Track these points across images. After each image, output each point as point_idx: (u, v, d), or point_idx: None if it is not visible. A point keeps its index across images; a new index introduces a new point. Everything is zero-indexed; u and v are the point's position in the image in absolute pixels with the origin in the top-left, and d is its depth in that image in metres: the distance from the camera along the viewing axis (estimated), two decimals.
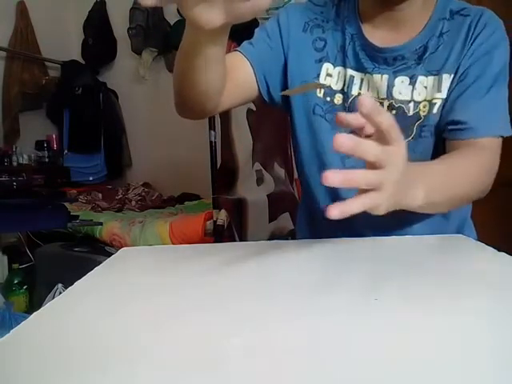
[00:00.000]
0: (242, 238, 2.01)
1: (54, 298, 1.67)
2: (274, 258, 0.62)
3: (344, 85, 0.78)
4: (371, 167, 0.42)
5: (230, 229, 1.97)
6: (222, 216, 1.94)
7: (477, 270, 0.53)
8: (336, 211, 0.41)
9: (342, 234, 0.82)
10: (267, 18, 0.85)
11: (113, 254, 0.66)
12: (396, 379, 0.28)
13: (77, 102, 3.31)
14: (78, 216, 2.19)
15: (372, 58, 0.76)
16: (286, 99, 0.82)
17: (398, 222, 0.78)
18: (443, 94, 0.73)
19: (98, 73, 3.57)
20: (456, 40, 0.73)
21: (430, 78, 0.74)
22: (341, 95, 0.78)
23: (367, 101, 0.40)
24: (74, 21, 3.58)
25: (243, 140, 2.15)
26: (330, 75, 0.78)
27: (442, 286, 0.46)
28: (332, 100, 0.78)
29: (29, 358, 0.33)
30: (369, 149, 0.41)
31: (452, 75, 0.73)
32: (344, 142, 0.38)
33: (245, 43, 0.80)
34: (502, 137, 0.71)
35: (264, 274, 0.53)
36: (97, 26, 3.46)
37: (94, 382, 0.29)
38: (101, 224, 2.24)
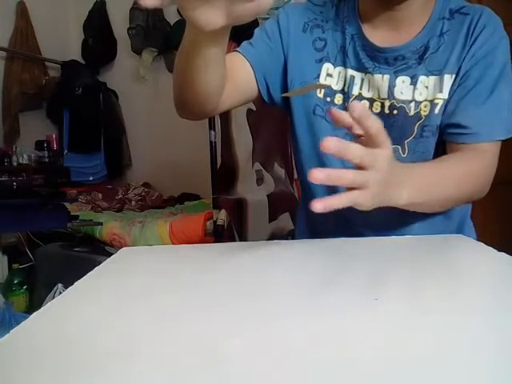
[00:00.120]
0: (242, 238, 2.01)
1: (54, 297, 1.67)
2: (274, 257, 0.62)
3: (344, 85, 0.78)
4: (358, 168, 0.46)
5: (230, 229, 1.97)
6: (222, 216, 1.94)
7: (477, 270, 0.53)
8: (319, 205, 0.44)
9: (341, 234, 0.82)
10: (267, 18, 0.85)
11: (113, 253, 0.66)
12: (396, 379, 0.28)
13: (77, 102, 3.31)
14: (78, 216, 2.19)
15: (373, 58, 0.76)
16: (286, 100, 0.82)
17: (397, 222, 0.78)
18: (445, 95, 0.73)
19: (98, 73, 3.58)
20: (456, 40, 0.73)
21: (432, 78, 0.74)
22: (341, 95, 0.78)
23: (358, 106, 0.44)
24: (74, 21, 3.58)
25: (243, 140, 2.15)
26: (331, 75, 0.78)
27: (442, 286, 0.46)
28: (332, 100, 0.78)
29: (29, 358, 0.33)
30: (354, 152, 0.45)
31: (454, 76, 0.73)
32: (330, 145, 0.42)
33: (244, 43, 0.80)
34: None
35: (264, 274, 0.53)
36: (97, 26, 3.46)
37: (94, 382, 0.29)
38: (101, 224, 2.24)
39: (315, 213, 0.92)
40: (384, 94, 0.76)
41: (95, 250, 2.08)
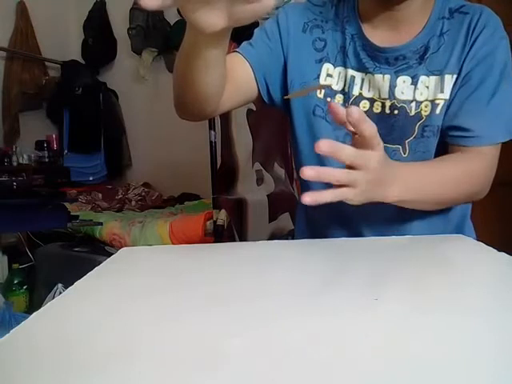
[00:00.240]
0: (242, 238, 2.01)
1: (54, 297, 1.67)
2: (273, 257, 0.62)
3: (345, 85, 0.78)
4: (349, 168, 0.50)
5: (230, 229, 1.97)
6: (222, 216, 1.94)
7: (477, 270, 0.53)
8: (309, 198, 0.48)
9: (341, 234, 0.82)
10: (267, 18, 0.85)
11: (113, 254, 0.66)
12: (396, 379, 0.28)
13: (77, 102, 3.31)
14: (78, 216, 2.19)
15: (373, 58, 0.76)
16: (286, 100, 0.82)
17: (397, 221, 0.78)
18: (446, 95, 0.73)
19: (98, 73, 3.58)
20: (456, 39, 0.73)
21: (432, 78, 0.74)
22: (341, 95, 0.78)
23: (355, 112, 0.47)
24: (74, 21, 3.58)
25: (243, 140, 2.15)
26: (331, 75, 0.78)
27: (442, 286, 0.46)
28: (332, 101, 0.78)
29: (29, 358, 0.33)
30: (346, 154, 0.49)
31: (455, 76, 0.73)
32: (324, 146, 0.46)
33: (244, 44, 0.79)
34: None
35: (264, 274, 0.53)
36: (97, 26, 3.46)
37: (94, 382, 0.29)
38: (101, 224, 2.24)
39: (315, 213, 0.92)
40: (385, 94, 0.76)
41: (95, 250, 2.08)
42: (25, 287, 2.11)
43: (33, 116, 3.31)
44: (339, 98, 0.78)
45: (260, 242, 0.71)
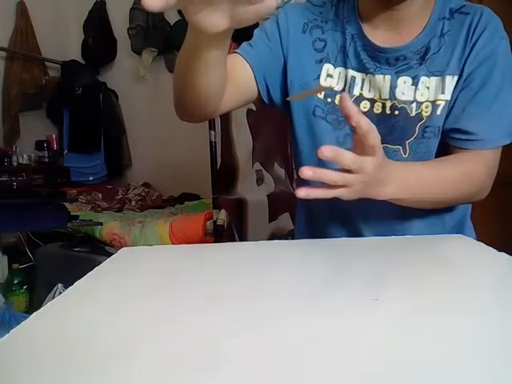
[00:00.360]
0: (242, 238, 2.01)
1: (54, 297, 1.67)
2: (273, 257, 0.62)
3: (345, 85, 0.78)
4: (345, 171, 0.54)
5: (230, 229, 1.97)
6: (222, 216, 1.94)
7: (477, 270, 0.53)
8: (303, 192, 0.53)
9: (341, 234, 0.82)
10: (266, 18, 0.85)
11: (113, 254, 0.66)
12: (396, 379, 0.28)
13: (77, 102, 3.31)
14: (78, 216, 2.19)
15: (374, 58, 0.76)
16: (286, 101, 0.82)
17: (397, 221, 0.78)
18: (447, 96, 0.73)
19: (98, 73, 3.58)
20: (457, 40, 0.73)
21: (433, 79, 0.74)
22: None
23: (364, 123, 0.51)
24: (74, 21, 3.58)
25: (243, 140, 2.15)
26: (331, 76, 0.78)
27: (442, 286, 0.46)
28: (333, 101, 0.78)
29: (29, 358, 0.33)
30: (346, 159, 0.52)
31: (456, 77, 0.73)
32: (326, 152, 0.50)
33: (244, 44, 0.79)
34: None
35: (264, 274, 0.53)
36: (97, 26, 3.47)
37: (94, 382, 0.29)
38: (101, 224, 2.25)
39: (315, 213, 0.92)
40: (385, 95, 0.76)
41: (95, 250, 2.08)
42: (25, 287, 2.11)
43: (33, 116, 3.31)
44: (339, 98, 0.78)
45: (260, 241, 0.71)
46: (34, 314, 0.41)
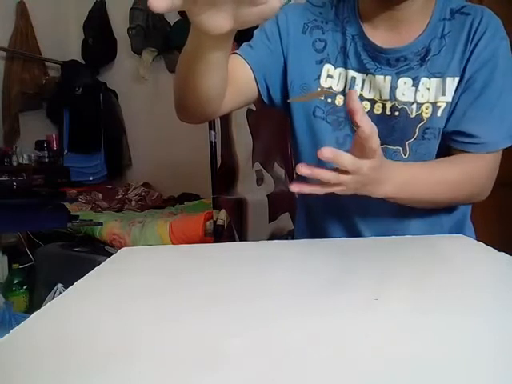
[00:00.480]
0: (242, 238, 2.01)
1: (54, 297, 1.67)
2: (273, 257, 0.62)
3: (345, 86, 0.77)
4: (342, 171, 0.57)
5: (230, 229, 1.97)
6: (222, 216, 1.94)
7: (477, 270, 0.53)
8: (296, 187, 0.58)
9: (341, 234, 0.82)
10: None
11: (113, 254, 0.66)
12: (396, 379, 0.28)
13: (77, 102, 3.32)
14: (78, 216, 2.19)
15: (374, 59, 0.76)
16: (286, 101, 0.82)
17: (397, 221, 0.78)
18: (448, 98, 0.73)
19: (98, 73, 3.58)
20: (458, 42, 0.73)
21: (434, 80, 0.73)
22: (342, 96, 0.78)
23: (367, 128, 0.53)
24: (74, 21, 3.59)
25: (243, 140, 2.15)
26: (331, 76, 0.78)
27: (442, 286, 0.46)
28: (333, 102, 0.78)
29: (29, 357, 0.33)
30: (344, 160, 0.55)
31: (456, 79, 0.73)
32: (326, 153, 0.53)
33: (244, 45, 0.79)
34: None
35: (264, 274, 0.53)
36: (97, 26, 3.47)
37: (94, 382, 0.29)
38: (101, 224, 2.25)
39: (314, 213, 0.92)
40: (385, 96, 0.75)
41: (95, 250, 2.08)
42: (25, 287, 2.11)
43: (33, 116, 3.31)
44: (340, 98, 0.78)
45: (260, 241, 0.71)
46: (34, 314, 0.41)
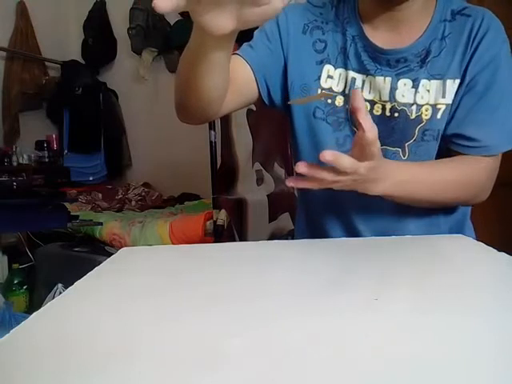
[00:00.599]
0: (242, 238, 2.01)
1: (54, 297, 1.67)
2: (273, 257, 0.62)
3: (345, 87, 0.77)
4: (340, 172, 0.58)
5: (230, 229, 1.97)
6: (222, 216, 1.94)
7: (477, 270, 0.53)
8: (291, 182, 0.61)
9: (340, 234, 0.82)
10: None
11: (113, 254, 0.66)
12: (396, 379, 0.28)
13: (77, 102, 3.32)
14: (78, 216, 2.19)
15: (374, 60, 0.75)
16: (286, 102, 0.82)
17: (396, 219, 0.78)
18: (448, 100, 0.73)
19: (98, 73, 3.58)
20: (458, 44, 0.73)
21: (434, 82, 0.73)
22: (342, 97, 0.78)
23: (371, 133, 0.54)
24: (74, 21, 3.59)
25: (243, 140, 2.15)
26: (331, 77, 0.78)
27: (442, 286, 0.46)
28: (333, 102, 0.78)
29: (29, 358, 0.33)
30: (344, 162, 0.56)
31: (457, 81, 0.73)
32: (328, 156, 0.54)
33: (244, 46, 0.79)
34: None
35: (264, 274, 0.53)
36: (97, 26, 3.47)
37: (94, 382, 0.29)
38: (101, 224, 2.25)
39: (314, 212, 0.92)
40: (385, 97, 0.75)
41: (95, 250, 2.08)
42: (25, 287, 2.11)
43: (33, 116, 3.31)
44: (340, 99, 0.78)
45: (260, 241, 0.71)
46: (34, 314, 0.41)
